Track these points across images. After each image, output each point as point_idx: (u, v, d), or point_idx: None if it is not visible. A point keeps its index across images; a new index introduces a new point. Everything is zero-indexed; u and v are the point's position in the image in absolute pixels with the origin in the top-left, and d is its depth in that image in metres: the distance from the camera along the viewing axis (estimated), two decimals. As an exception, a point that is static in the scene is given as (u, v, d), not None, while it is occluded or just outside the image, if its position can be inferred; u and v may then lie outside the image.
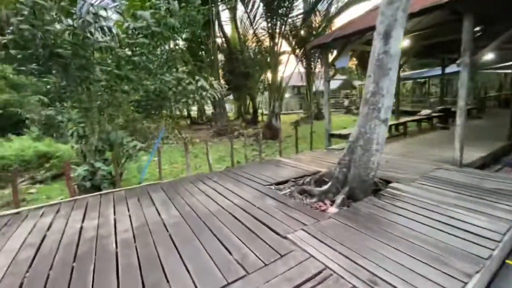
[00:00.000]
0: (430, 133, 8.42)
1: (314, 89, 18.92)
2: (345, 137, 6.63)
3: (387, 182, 3.86)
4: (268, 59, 13.55)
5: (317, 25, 13.13)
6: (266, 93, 21.35)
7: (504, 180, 3.77)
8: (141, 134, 6.27)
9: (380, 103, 3.08)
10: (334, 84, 28.66)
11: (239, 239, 2.52)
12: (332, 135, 6.92)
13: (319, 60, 17.98)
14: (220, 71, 15.28)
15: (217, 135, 12.84)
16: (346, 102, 24.59)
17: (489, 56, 8.79)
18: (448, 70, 11.21)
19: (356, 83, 28.58)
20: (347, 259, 2.13)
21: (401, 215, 2.84)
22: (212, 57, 13.52)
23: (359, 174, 3.33)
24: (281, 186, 4.08)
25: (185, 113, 19.25)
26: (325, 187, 3.50)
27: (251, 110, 18.61)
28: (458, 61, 4.32)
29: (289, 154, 7.55)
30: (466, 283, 1.84)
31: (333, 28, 10.70)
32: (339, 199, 3.29)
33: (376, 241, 2.37)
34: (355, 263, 2.08)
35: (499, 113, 11.70)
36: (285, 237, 2.52)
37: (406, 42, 7.52)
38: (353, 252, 2.21)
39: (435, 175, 4.11)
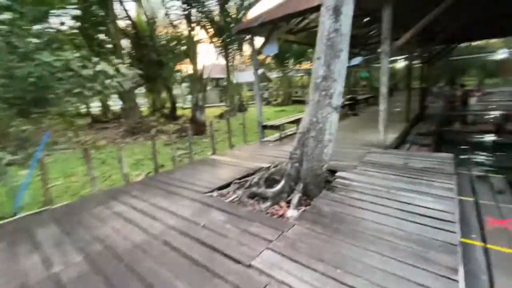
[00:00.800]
0: (346, 120, 9.25)
1: (234, 81, 18.58)
2: (277, 128, 6.43)
3: (333, 172, 3.73)
4: (185, 47, 12.30)
5: (235, 14, 12.61)
6: (184, 85, 19.85)
7: (425, 158, 4.19)
8: (12, 140, 4.38)
9: (332, 89, 2.78)
10: (250, 76, 29.26)
11: (187, 285, 1.75)
12: (265, 127, 6.61)
13: (238, 51, 17.69)
14: (127, 59, 12.96)
15: (129, 134, 10.88)
16: (266, 94, 25.36)
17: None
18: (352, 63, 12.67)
19: (272, 75, 29.90)
20: (336, 282, 1.70)
21: (362, 208, 2.64)
22: (114, 42, 11.22)
23: (313, 168, 3.00)
24: (225, 191, 3.41)
25: (85, 109, 15.76)
26: (278, 187, 3.03)
27: (168, 104, 16.82)
28: (379, 49, 4.55)
29: (222, 150, 6.88)
30: (457, 281, 1.67)
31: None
32: (295, 198, 2.89)
33: (353, 248, 2.03)
34: (347, 285, 1.66)
35: (390, 100, 14.18)
36: (249, 265, 1.90)
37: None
38: (337, 270, 1.80)
39: (370, 159, 4.25)
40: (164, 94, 18.12)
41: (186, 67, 14.14)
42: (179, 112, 15.79)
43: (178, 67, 15.48)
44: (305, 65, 23.05)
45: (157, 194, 3.42)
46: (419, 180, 3.28)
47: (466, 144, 7.61)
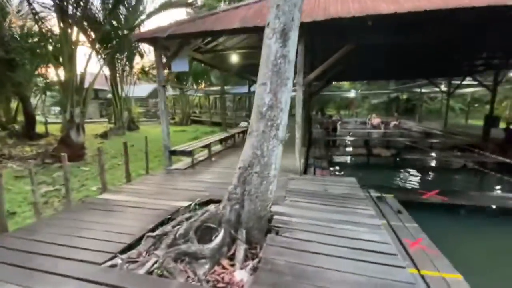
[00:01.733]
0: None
1: (123, 94, 15.99)
2: (189, 153, 5.63)
3: (265, 206, 3.38)
4: (53, 48, 9.50)
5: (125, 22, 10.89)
6: (49, 94, 15.41)
7: (336, 183, 4.52)
8: None
9: (278, 119, 2.46)
10: (142, 91, 26.39)
11: None
12: (173, 152, 5.65)
13: (128, 61, 15.48)
14: None
15: None
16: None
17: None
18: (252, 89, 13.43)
19: (167, 93, 28.06)
20: None
21: (316, 253, 2.35)
22: None
23: (256, 209, 2.53)
24: (134, 254, 2.39)
25: None
26: (216, 239, 2.35)
27: (20, 118, 12.41)
28: (294, 81, 4.74)
29: (115, 183, 5.37)
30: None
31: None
32: (240, 252, 2.30)
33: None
34: None
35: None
36: None
37: (233, 58, 7.85)
38: None
39: (293, 188, 4.20)
40: (15, 104, 13.35)
41: (53, 72, 10.71)
42: (40, 128, 11.88)
43: (42, 70, 11.77)
44: (201, 86, 22.87)
45: (2, 276, 2.00)
46: (344, 209, 3.38)
47: (347, 166, 9.24)
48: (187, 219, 2.75)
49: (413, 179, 8.30)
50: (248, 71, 10.58)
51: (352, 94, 24.23)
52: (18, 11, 11.10)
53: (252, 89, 13.00)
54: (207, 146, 6.41)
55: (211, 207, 2.79)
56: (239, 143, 9.28)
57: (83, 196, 4.90)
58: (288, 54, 2.37)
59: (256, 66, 2.58)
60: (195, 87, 22.23)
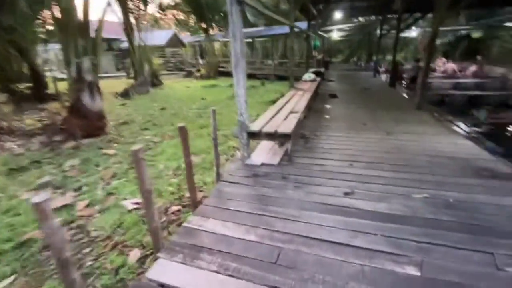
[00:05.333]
0: (341, 107, 6.70)
1: (141, 43, 13.06)
2: (286, 137, 3.13)
3: None
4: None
5: None
6: (52, 46, 12.82)
7: None
8: None
9: None
10: (159, 38, 22.98)
11: None
12: (254, 135, 3.19)
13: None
14: None
15: None
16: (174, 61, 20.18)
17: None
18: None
19: (187, 39, 24.33)
20: None
21: None
22: None
23: None
24: None
25: None
26: None
27: (24, 75, 10.13)
28: None
29: (164, 189, 3.12)
30: None
31: None
32: None
33: None
34: None
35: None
36: None
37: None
38: None
39: None
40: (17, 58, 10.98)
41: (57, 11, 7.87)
42: (55, 88, 9.59)
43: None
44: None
45: None
46: None
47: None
48: None
49: None
50: None
51: (413, 33, 19.54)
52: None
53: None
54: (297, 116, 3.81)
55: None
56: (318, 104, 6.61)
57: (113, 224, 2.69)
58: None
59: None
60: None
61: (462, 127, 4.91)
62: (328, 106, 6.65)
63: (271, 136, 3.14)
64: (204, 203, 2.42)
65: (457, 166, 2.99)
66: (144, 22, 14.04)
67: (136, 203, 2.95)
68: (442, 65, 15.15)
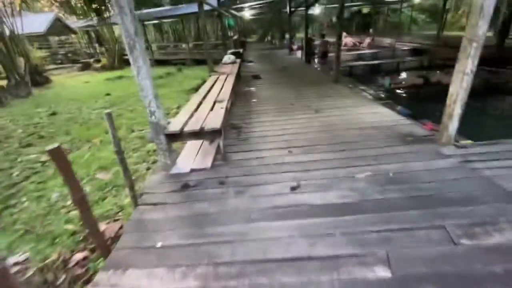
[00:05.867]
0: (264, 88, 6.39)
1: (6, 32, 9.82)
2: (216, 133, 2.61)
3: None
4: None
5: None
6: None
7: None
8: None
9: None
10: (37, 24, 18.23)
11: None
12: (176, 137, 2.56)
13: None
14: None
15: None
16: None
17: None
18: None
19: (76, 24, 19.94)
20: None
21: None
22: None
23: None
24: None
25: None
26: None
27: None
28: None
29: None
30: None
31: None
32: None
33: None
34: None
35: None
36: None
37: None
38: None
39: None
40: None
41: None
42: None
43: None
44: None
45: None
46: None
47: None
48: None
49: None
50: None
51: (317, 10, 20.90)
52: None
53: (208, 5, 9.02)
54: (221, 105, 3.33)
55: None
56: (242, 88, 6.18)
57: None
58: None
59: None
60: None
61: (374, 95, 5.36)
62: (253, 88, 6.35)
63: (197, 134, 2.58)
64: (118, 245, 1.76)
65: (384, 135, 3.10)
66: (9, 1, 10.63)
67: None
68: (344, 38, 16.75)
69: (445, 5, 14.62)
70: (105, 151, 4.04)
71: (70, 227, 2.45)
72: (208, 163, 2.73)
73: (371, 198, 2.00)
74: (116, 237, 2.15)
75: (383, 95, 5.98)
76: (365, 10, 24.05)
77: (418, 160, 2.49)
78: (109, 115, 1.94)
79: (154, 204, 2.16)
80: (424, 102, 6.67)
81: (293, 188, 2.21)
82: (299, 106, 4.61)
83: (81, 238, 2.30)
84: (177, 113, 3.84)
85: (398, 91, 8.02)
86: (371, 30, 19.19)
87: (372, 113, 3.90)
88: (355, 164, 2.50)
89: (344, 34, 18.17)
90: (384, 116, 3.76)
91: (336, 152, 2.79)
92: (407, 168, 2.37)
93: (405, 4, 22.04)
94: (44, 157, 4.10)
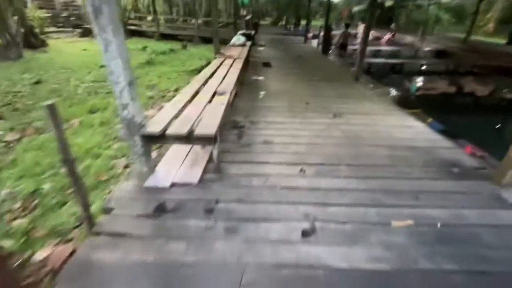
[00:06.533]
0: (275, 78, 5.67)
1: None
2: (188, 140, 1.98)
3: None
4: None
5: None
6: None
7: None
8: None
9: None
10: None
11: None
12: (157, 138, 1.94)
13: None
14: None
15: None
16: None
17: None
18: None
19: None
20: None
21: None
22: None
23: None
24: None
25: None
26: None
27: None
28: None
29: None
30: None
31: None
32: None
33: None
34: None
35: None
36: None
37: None
38: None
39: None
40: None
41: None
42: None
43: None
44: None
45: None
46: None
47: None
48: None
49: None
50: None
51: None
52: None
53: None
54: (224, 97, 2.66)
55: None
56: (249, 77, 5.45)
57: None
58: None
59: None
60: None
61: (400, 100, 4.65)
62: (262, 78, 5.62)
63: (184, 139, 1.95)
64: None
65: (422, 160, 2.46)
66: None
67: None
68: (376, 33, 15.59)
69: (478, 7, 13.42)
70: (82, 137, 3.41)
71: (7, 243, 1.87)
72: (195, 176, 2.11)
73: (415, 268, 1.40)
74: (61, 267, 1.57)
75: (410, 102, 5.25)
76: (389, 3, 22.54)
77: (472, 206, 1.87)
78: (50, 107, 1.31)
79: (113, 235, 1.57)
80: (457, 115, 5.92)
81: (305, 234, 1.60)
82: (315, 106, 3.93)
83: (22, 259, 1.72)
84: (174, 96, 3.19)
85: (425, 98, 7.20)
86: (392, 25, 17.91)
87: (403, 127, 3.23)
88: (388, 203, 1.88)
89: (362, 25, 16.99)
90: (418, 132, 3.09)
91: (362, 179, 2.16)
92: (460, 219, 1.75)
93: (432, 1, 20.62)
94: (11, 136, 3.50)
